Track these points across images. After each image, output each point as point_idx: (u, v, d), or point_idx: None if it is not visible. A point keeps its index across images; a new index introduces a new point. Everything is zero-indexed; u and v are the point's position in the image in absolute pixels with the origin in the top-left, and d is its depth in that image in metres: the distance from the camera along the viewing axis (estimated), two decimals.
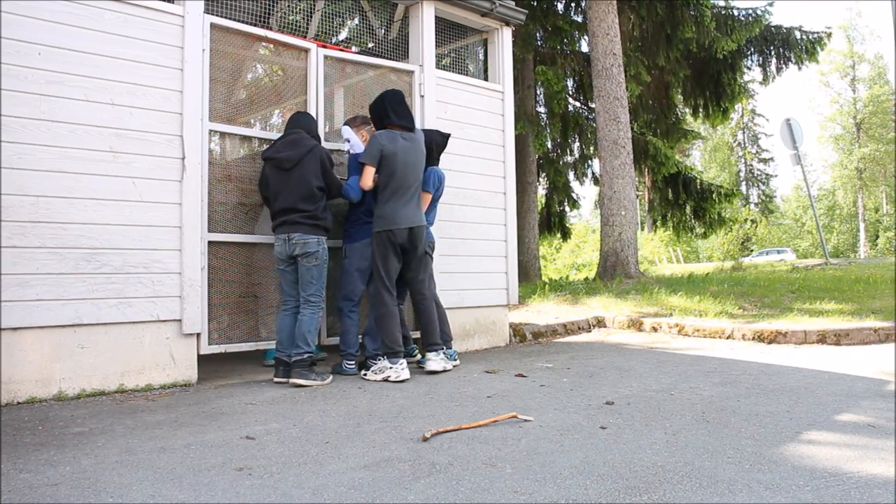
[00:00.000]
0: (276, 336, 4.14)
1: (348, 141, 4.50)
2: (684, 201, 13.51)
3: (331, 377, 4.08)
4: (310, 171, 4.01)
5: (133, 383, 3.78)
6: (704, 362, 4.62)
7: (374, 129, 4.44)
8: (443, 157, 5.26)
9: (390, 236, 4.16)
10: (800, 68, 12.74)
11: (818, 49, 12.42)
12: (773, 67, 12.85)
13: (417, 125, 5.04)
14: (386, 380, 4.04)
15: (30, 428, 2.93)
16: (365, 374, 4.17)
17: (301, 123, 4.17)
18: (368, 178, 4.17)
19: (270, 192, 4.06)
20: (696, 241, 39.84)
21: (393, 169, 4.16)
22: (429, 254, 4.72)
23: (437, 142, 4.61)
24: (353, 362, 4.36)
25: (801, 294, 7.40)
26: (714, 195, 13.35)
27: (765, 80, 13.18)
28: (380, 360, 4.17)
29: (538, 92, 13.07)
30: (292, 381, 3.92)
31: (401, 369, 4.06)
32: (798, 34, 12.44)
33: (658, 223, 14.67)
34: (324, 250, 4.07)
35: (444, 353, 4.63)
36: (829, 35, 12.53)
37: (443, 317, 4.74)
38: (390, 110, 4.24)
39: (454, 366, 4.61)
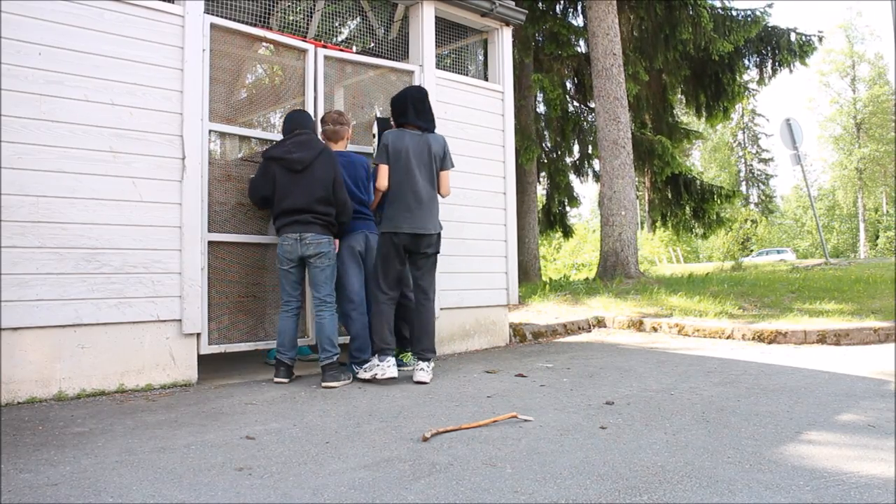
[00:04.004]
0: (277, 337, 4.12)
1: (375, 136, 4.57)
2: (685, 202, 13.51)
3: (352, 374, 4.12)
4: (323, 173, 3.98)
5: (133, 383, 3.78)
6: (704, 362, 4.62)
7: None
8: None
9: (394, 238, 4.09)
10: (791, 71, 12.73)
11: (808, 52, 12.39)
12: (769, 68, 12.85)
13: None
14: (374, 377, 4.02)
15: (30, 428, 2.93)
16: (357, 373, 4.17)
17: (307, 123, 4.15)
18: (382, 177, 4.12)
19: (277, 193, 4.00)
20: (696, 241, 39.86)
21: (397, 167, 4.10)
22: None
23: None
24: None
25: (801, 294, 7.40)
26: (714, 196, 13.35)
27: (761, 81, 13.19)
28: (371, 357, 4.16)
29: (537, 94, 13.08)
30: (325, 384, 3.91)
31: (387, 367, 4.01)
32: (793, 36, 12.44)
33: (658, 223, 14.67)
34: (333, 250, 4.08)
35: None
36: (821, 39, 12.52)
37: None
38: (410, 107, 4.16)
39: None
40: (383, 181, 4.12)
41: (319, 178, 3.98)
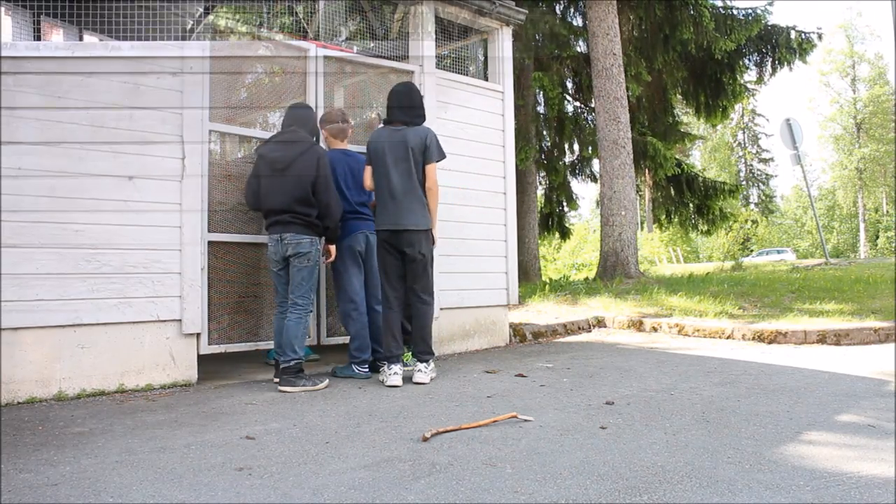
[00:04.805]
0: (273, 338, 4.11)
1: None
2: (688, 199, 13.57)
3: (326, 381, 3.95)
4: (305, 172, 3.92)
5: (133, 383, 3.78)
6: (704, 362, 4.62)
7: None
8: None
9: (379, 235, 4.12)
10: (791, 69, 12.73)
11: (808, 50, 12.39)
12: (769, 66, 12.84)
13: None
14: (381, 382, 4.02)
15: (30, 428, 2.93)
16: (357, 373, 4.20)
17: (299, 119, 4.08)
18: (367, 177, 4.18)
19: (261, 192, 3.97)
20: (696, 241, 39.92)
21: (376, 165, 4.10)
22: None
23: None
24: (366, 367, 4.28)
25: (801, 294, 7.40)
26: (717, 192, 13.42)
27: (760, 80, 13.18)
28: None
29: (537, 94, 13.08)
30: (280, 388, 3.83)
31: (390, 374, 3.95)
32: (793, 34, 12.43)
33: (662, 221, 14.70)
34: (316, 251, 4.01)
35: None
36: (821, 36, 12.52)
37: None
38: (394, 103, 4.16)
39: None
40: (367, 181, 4.18)
41: (299, 178, 3.91)
